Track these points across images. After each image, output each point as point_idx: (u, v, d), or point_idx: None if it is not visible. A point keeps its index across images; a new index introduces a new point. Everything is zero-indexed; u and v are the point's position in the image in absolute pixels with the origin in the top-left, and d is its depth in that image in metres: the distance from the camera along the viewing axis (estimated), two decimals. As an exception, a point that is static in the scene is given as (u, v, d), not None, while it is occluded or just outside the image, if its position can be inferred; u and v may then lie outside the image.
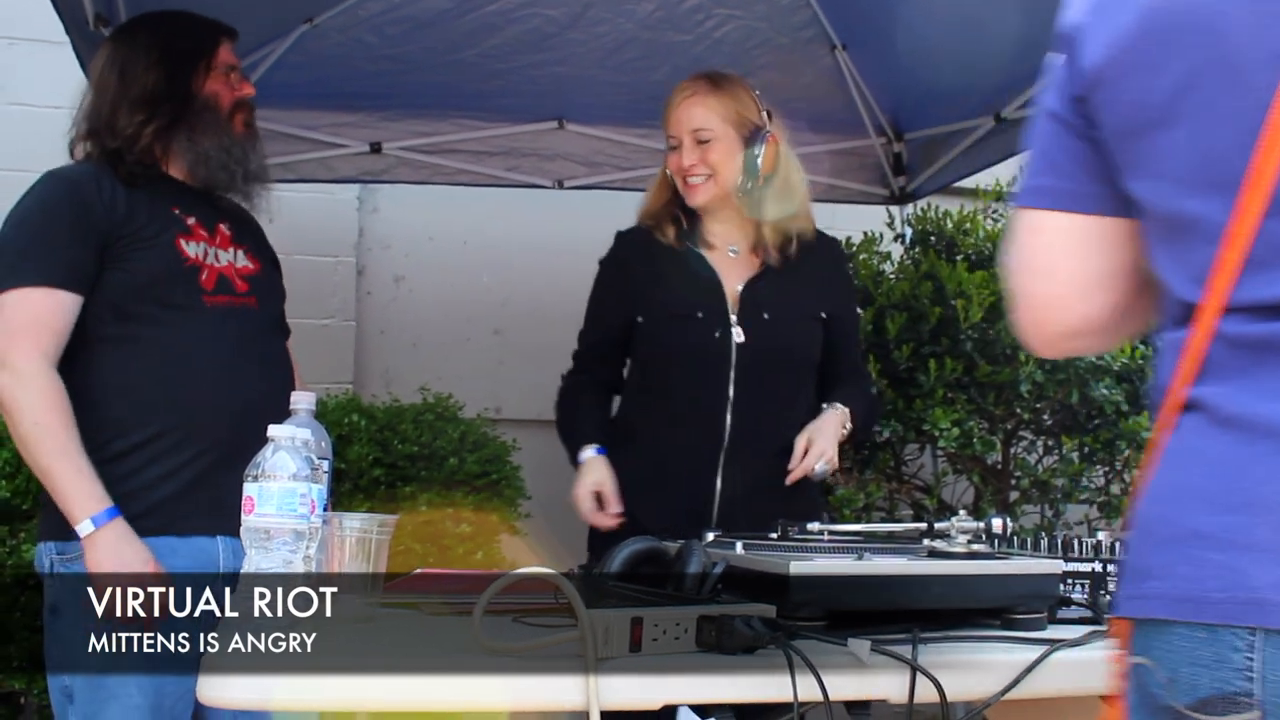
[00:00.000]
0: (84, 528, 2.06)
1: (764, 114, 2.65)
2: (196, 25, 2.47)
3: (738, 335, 2.56)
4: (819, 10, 3.56)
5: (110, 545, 2.06)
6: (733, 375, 2.55)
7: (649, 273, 2.65)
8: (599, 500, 2.47)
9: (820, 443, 2.43)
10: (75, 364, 2.20)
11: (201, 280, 2.32)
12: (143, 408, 2.22)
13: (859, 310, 2.82)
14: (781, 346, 2.60)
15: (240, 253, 2.43)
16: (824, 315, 2.66)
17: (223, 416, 2.23)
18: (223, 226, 2.42)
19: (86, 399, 2.18)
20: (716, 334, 2.56)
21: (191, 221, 2.35)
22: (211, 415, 2.23)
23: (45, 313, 2.16)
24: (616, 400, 2.77)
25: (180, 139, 2.36)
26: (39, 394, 2.10)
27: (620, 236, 2.75)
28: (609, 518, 2.45)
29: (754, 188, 2.59)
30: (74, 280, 2.19)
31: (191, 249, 2.32)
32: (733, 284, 2.60)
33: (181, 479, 2.21)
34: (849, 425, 2.51)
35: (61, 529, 2.13)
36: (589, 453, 2.53)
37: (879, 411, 2.75)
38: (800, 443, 2.44)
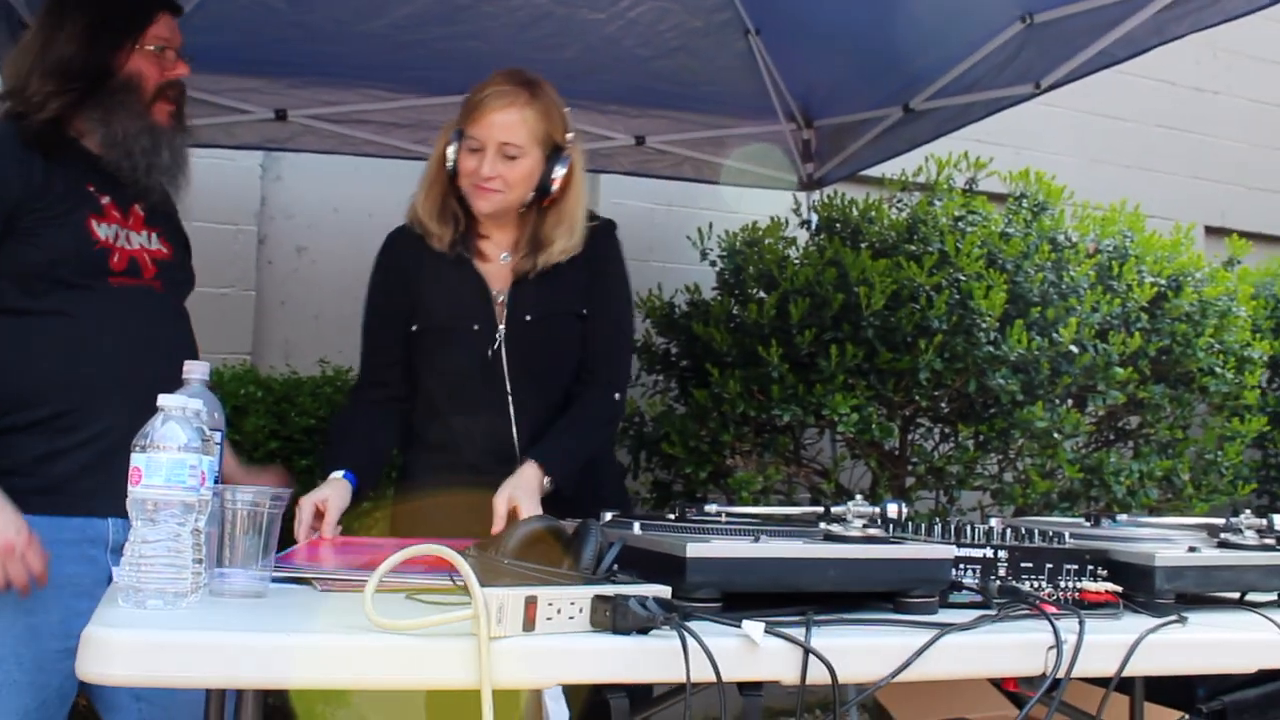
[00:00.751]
0: None
1: (569, 135, 2.54)
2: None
3: (503, 338, 2.51)
4: (733, -7, 3.57)
5: None
6: (509, 384, 2.52)
7: (422, 281, 2.56)
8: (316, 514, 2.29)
9: (526, 504, 2.29)
10: None
11: (111, 263, 2.25)
12: (40, 385, 2.16)
13: (629, 305, 2.72)
14: (545, 349, 2.56)
15: (154, 235, 2.37)
16: (583, 312, 2.59)
17: (122, 399, 2.17)
18: (137, 207, 2.34)
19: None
20: (489, 351, 2.51)
21: (105, 201, 2.28)
22: (110, 397, 2.17)
23: None
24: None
25: (91, 116, 2.25)
26: None
27: (392, 239, 2.65)
28: (310, 533, 2.26)
29: (540, 208, 2.53)
30: None
31: (103, 230, 2.25)
32: (499, 290, 2.54)
33: (75, 460, 2.15)
34: (546, 481, 2.38)
35: None
36: (335, 475, 2.39)
37: (615, 419, 2.66)
38: (500, 504, 2.29)
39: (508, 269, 2.56)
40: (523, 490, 2.32)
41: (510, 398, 2.52)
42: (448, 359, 2.55)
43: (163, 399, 1.52)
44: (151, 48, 2.29)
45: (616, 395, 2.59)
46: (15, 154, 2.17)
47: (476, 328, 2.51)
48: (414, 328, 2.55)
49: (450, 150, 2.50)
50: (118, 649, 1.28)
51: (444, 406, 2.57)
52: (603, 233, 2.63)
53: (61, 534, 2.10)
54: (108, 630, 1.30)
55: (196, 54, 3.51)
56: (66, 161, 2.23)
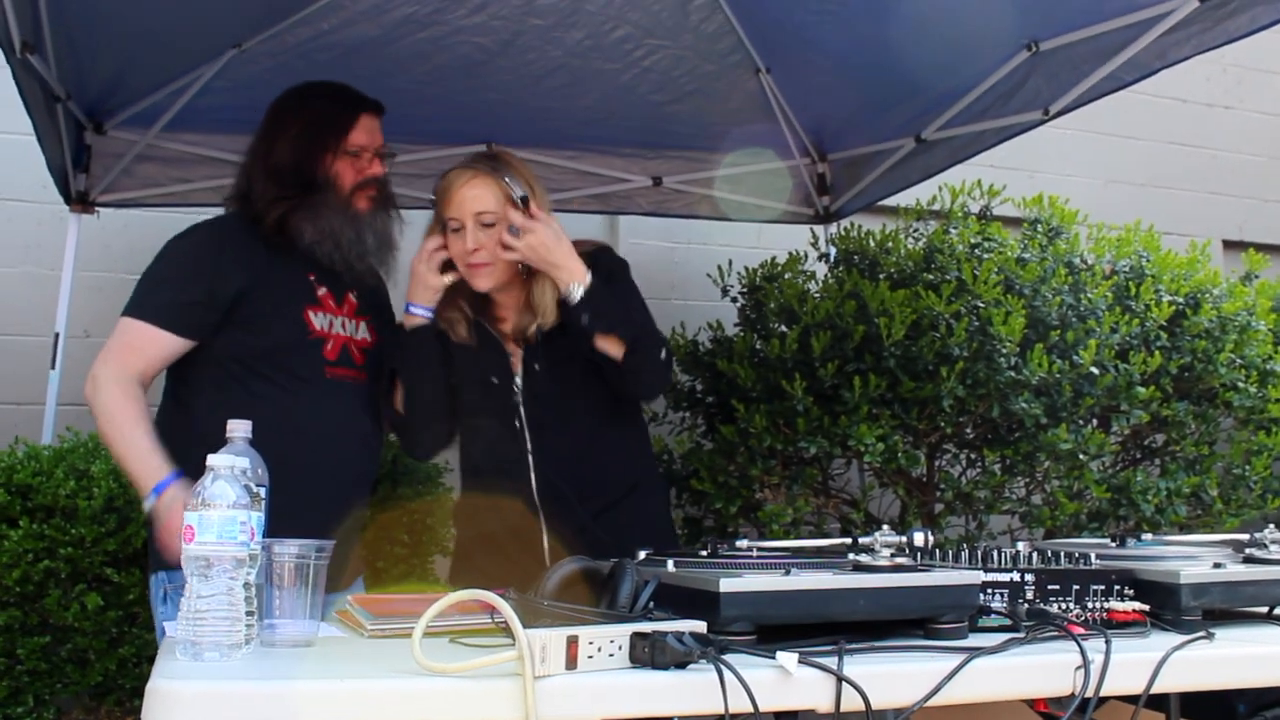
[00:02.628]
0: (148, 502, 2.32)
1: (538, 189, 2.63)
2: (337, 103, 2.59)
3: (520, 399, 2.62)
4: (743, 35, 3.64)
5: (169, 506, 2.27)
6: (528, 436, 2.61)
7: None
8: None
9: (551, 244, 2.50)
10: (199, 410, 2.45)
11: (325, 351, 2.51)
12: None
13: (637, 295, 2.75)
14: (561, 390, 2.63)
15: (363, 324, 2.61)
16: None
17: (324, 489, 2.39)
18: (351, 295, 2.58)
19: (190, 437, 2.32)
20: (514, 425, 2.61)
21: (322, 292, 2.54)
22: (313, 487, 2.34)
23: (141, 342, 2.45)
24: None
25: (304, 215, 2.50)
26: (110, 397, 2.38)
27: None
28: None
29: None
30: (179, 324, 2.45)
31: (318, 321, 2.51)
32: (518, 358, 2.65)
33: None
34: (579, 285, 2.51)
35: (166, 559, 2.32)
36: None
37: (663, 366, 2.69)
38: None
39: (521, 328, 2.64)
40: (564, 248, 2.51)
41: (529, 441, 2.61)
42: (473, 445, 2.72)
43: (211, 459, 1.59)
44: (351, 151, 2.55)
45: (663, 350, 2.64)
46: (245, 244, 2.48)
47: (495, 381, 2.63)
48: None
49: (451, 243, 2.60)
50: (179, 700, 1.34)
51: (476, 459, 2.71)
52: (603, 258, 2.68)
53: None
54: (170, 683, 1.35)
55: (221, 115, 3.65)
56: (288, 253, 2.50)
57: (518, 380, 2.62)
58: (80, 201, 3.74)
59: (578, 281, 2.51)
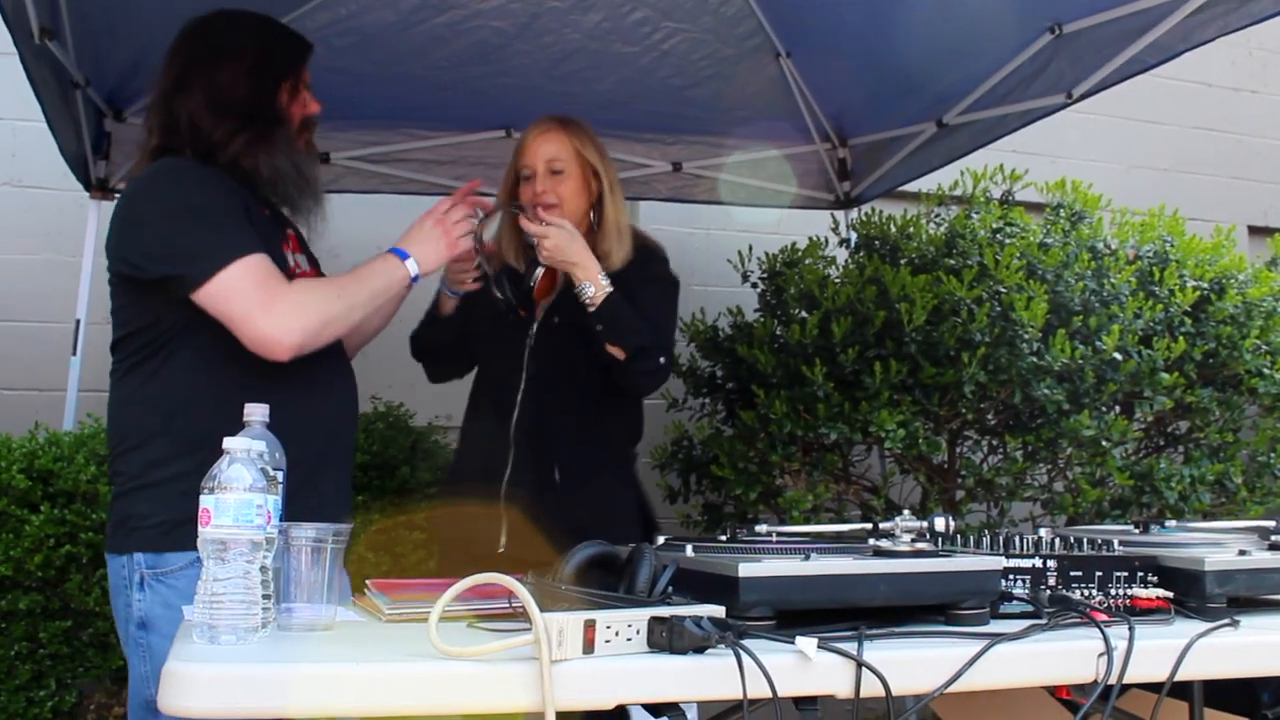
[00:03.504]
0: (411, 268, 2.36)
1: (606, 160, 2.85)
2: (288, 39, 2.47)
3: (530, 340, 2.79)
4: (763, 19, 3.62)
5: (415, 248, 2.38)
6: (524, 379, 2.77)
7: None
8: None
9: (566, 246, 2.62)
10: (167, 368, 2.22)
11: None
12: (233, 420, 2.09)
13: (670, 299, 2.93)
14: (569, 351, 2.77)
15: (304, 260, 2.46)
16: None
17: (314, 428, 2.28)
18: (291, 233, 2.47)
19: (175, 406, 2.20)
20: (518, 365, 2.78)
21: (290, 231, 2.43)
22: (304, 428, 2.19)
23: (269, 268, 2.18)
24: None
25: (258, 153, 2.33)
26: (303, 293, 2.21)
27: None
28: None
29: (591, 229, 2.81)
30: (265, 250, 2.21)
31: (290, 258, 2.36)
32: (541, 306, 2.83)
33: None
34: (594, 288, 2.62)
35: (156, 541, 2.14)
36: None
37: (658, 372, 2.78)
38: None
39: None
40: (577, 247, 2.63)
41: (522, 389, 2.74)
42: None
43: (228, 442, 1.58)
44: (304, 86, 2.44)
45: (662, 358, 2.75)
46: (229, 185, 2.25)
47: (511, 319, 2.79)
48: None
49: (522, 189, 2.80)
50: (195, 683, 1.33)
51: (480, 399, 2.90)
52: (654, 255, 2.89)
53: None
54: (186, 665, 1.35)
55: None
56: (254, 193, 2.33)
57: (534, 327, 2.79)
58: (100, 188, 3.75)
59: (590, 282, 2.62)
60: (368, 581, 1.95)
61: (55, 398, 3.75)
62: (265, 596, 1.55)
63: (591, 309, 2.62)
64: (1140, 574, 1.90)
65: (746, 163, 4.28)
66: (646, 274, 2.83)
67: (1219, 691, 2.15)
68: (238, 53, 2.35)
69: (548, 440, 2.72)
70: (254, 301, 2.13)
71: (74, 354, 3.69)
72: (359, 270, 2.31)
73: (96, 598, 3.19)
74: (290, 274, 2.28)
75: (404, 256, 2.36)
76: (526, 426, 2.73)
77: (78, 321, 3.71)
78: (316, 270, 2.50)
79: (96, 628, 3.25)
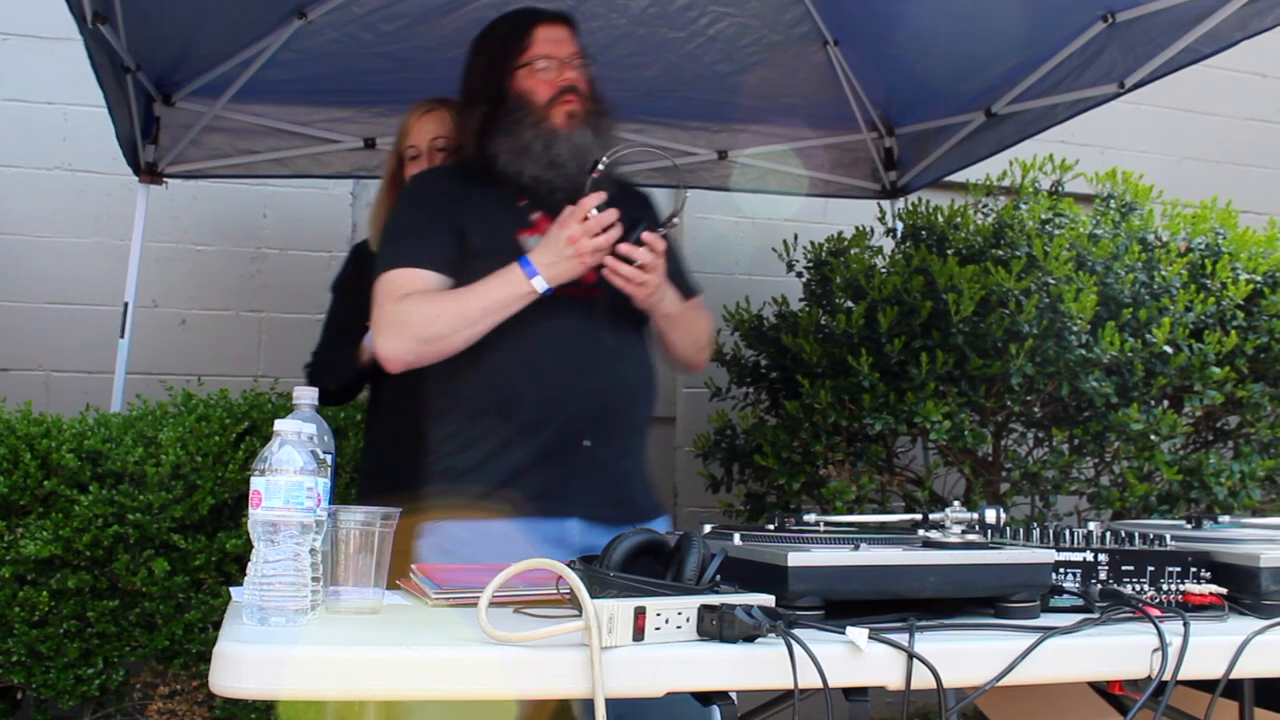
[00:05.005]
0: (538, 284, 2.28)
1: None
2: (509, 21, 2.50)
3: None
4: (811, 6, 3.60)
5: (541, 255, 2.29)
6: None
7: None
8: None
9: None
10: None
11: None
12: (479, 403, 2.36)
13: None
14: None
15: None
16: None
17: (554, 413, 2.32)
18: (543, 215, 2.42)
19: (443, 387, 2.40)
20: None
21: (536, 216, 2.41)
22: (541, 413, 2.31)
23: (406, 283, 2.32)
24: None
25: (497, 135, 2.40)
26: (407, 312, 2.29)
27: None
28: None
29: None
30: (432, 262, 2.34)
31: (533, 244, 2.35)
32: None
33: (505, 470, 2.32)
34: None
35: None
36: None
37: None
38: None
39: None
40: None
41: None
42: None
43: (279, 424, 1.59)
44: (540, 64, 2.41)
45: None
46: (443, 191, 2.43)
47: None
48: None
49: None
50: (246, 664, 1.34)
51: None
52: None
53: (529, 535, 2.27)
54: (237, 646, 1.36)
55: (287, 87, 3.67)
56: (496, 185, 2.40)
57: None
58: (149, 172, 3.78)
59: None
60: (413, 566, 1.96)
61: (104, 380, 3.79)
62: (314, 579, 1.56)
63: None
64: (1193, 569, 1.88)
65: (793, 151, 4.26)
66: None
67: (1270, 691, 2.12)
68: (476, 46, 2.52)
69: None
70: (377, 316, 2.34)
71: (122, 336, 3.72)
72: (485, 281, 2.29)
73: (143, 578, 3.22)
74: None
75: (531, 273, 2.28)
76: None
77: (126, 304, 3.74)
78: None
79: (143, 608, 3.28)
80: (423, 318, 2.29)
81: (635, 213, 2.38)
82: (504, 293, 2.28)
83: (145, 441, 3.28)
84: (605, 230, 2.26)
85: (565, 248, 2.26)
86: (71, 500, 3.18)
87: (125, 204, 3.96)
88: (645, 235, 2.29)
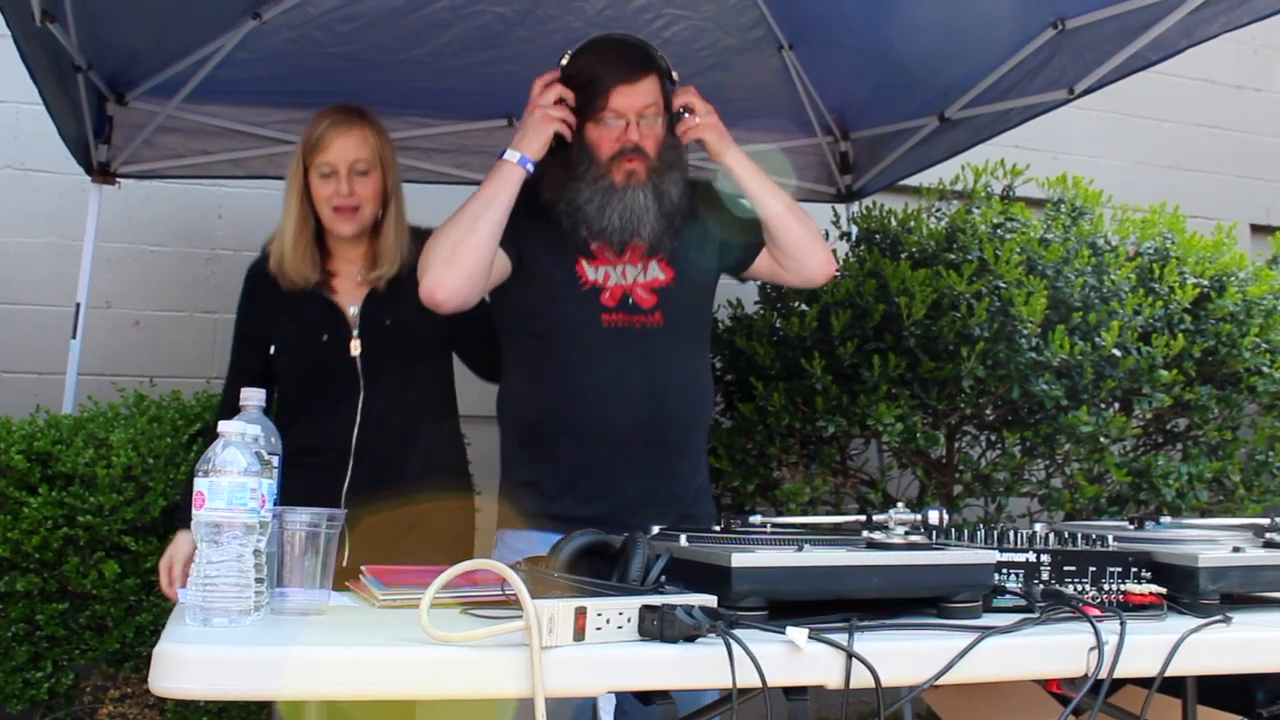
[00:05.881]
0: (510, 155, 2.43)
1: (395, 156, 2.82)
2: (588, 67, 2.51)
3: (355, 349, 2.72)
4: (766, 10, 3.61)
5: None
6: (362, 384, 2.72)
7: (279, 308, 2.77)
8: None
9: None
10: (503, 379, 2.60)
11: (603, 299, 2.48)
12: (532, 426, 2.52)
13: None
14: (404, 348, 2.76)
15: (654, 264, 2.55)
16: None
17: (603, 446, 2.42)
18: (637, 242, 2.50)
19: (506, 408, 2.57)
20: (340, 357, 2.73)
21: (596, 245, 2.50)
22: (591, 444, 2.42)
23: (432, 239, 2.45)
24: None
25: (554, 183, 2.48)
26: (429, 240, 2.43)
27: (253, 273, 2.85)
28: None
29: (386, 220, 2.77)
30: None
31: (592, 271, 2.49)
32: (348, 306, 2.77)
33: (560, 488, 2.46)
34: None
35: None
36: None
37: None
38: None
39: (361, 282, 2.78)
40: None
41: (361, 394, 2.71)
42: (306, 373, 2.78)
43: (222, 425, 1.59)
44: (609, 119, 2.45)
45: None
46: (524, 203, 2.45)
47: (325, 338, 2.73)
48: (272, 350, 2.78)
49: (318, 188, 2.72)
50: (187, 664, 1.34)
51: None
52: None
53: None
54: (178, 647, 1.36)
55: (241, 88, 3.65)
56: (556, 219, 2.49)
57: (354, 342, 2.73)
58: (102, 172, 3.75)
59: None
60: (362, 567, 1.96)
61: (55, 381, 3.75)
62: (258, 580, 1.56)
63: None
64: (1134, 570, 1.91)
65: (748, 155, 4.27)
66: None
67: (1213, 688, 2.16)
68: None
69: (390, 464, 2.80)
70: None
71: (74, 337, 3.69)
72: (466, 208, 2.42)
73: (94, 580, 3.19)
74: (592, 286, 2.49)
75: (505, 153, 2.43)
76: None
77: (78, 305, 3.70)
78: (676, 270, 2.56)
79: (94, 610, 3.25)
80: (435, 243, 2.41)
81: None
82: (493, 183, 2.42)
83: (96, 443, 3.25)
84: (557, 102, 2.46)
85: (528, 118, 2.45)
86: (20, 502, 3.15)
87: (78, 204, 3.92)
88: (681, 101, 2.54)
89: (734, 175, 2.59)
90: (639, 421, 2.46)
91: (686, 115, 2.56)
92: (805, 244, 2.66)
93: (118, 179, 3.80)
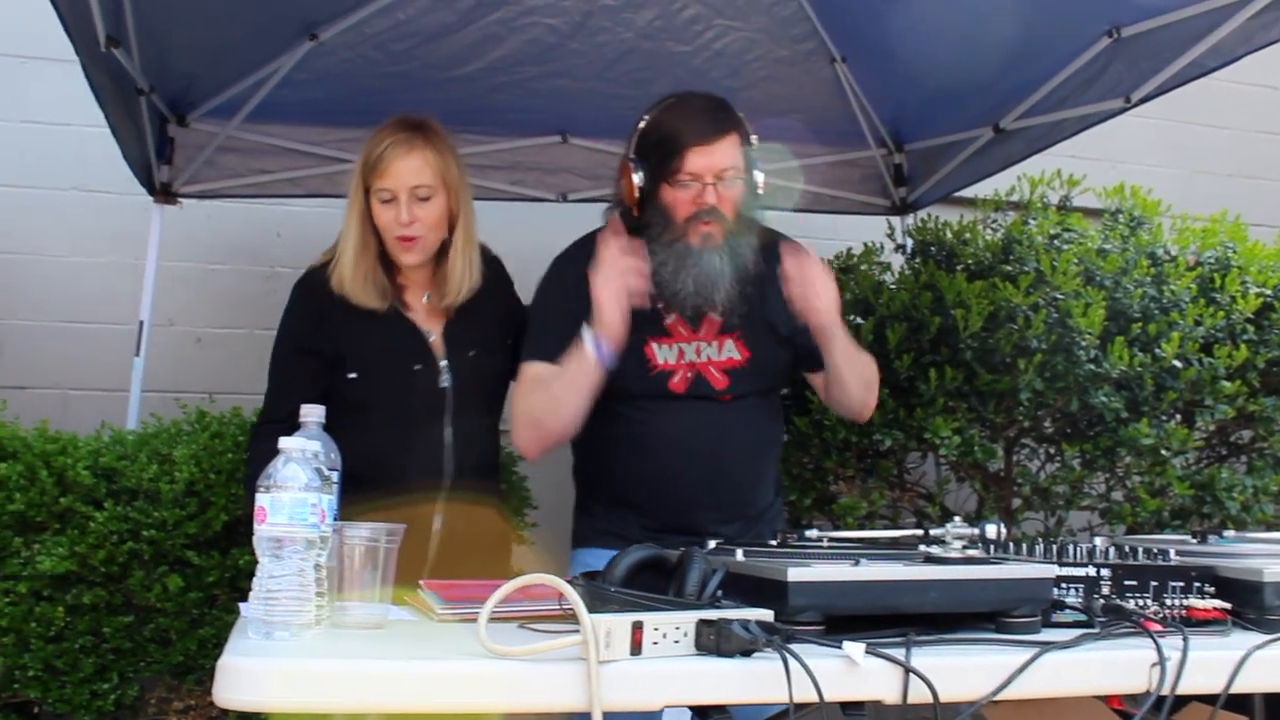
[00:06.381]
0: (590, 345, 2.34)
1: (465, 175, 2.69)
2: (666, 127, 2.47)
3: (445, 380, 2.66)
4: (818, 23, 3.61)
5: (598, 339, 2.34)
6: (449, 415, 2.66)
7: (354, 330, 2.65)
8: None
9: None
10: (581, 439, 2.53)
11: (672, 384, 2.51)
12: (609, 491, 2.58)
13: None
14: (485, 379, 2.72)
15: (729, 342, 2.56)
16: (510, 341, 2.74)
17: (664, 492, 2.47)
18: (711, 315, 2.52)
19: (581, 470, 2.65)
20: (436, 383, 2.66)
21: (670, 320, 2.52)
22: (653, 490, 2.47)
23: (527, 377, 2.49)
24: None
25: (644, 244, 2.46)
26: (522, 401, 2.48)
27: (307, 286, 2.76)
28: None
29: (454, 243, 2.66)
30: (557, 356, 2.41)
31: (662, 354, 2.51)
32: (434, 330, 2.69)
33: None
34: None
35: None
36: None
37: None
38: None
39: (435, 308, 2.70)
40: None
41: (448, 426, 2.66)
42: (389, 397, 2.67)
43: (283, 442, 1.61)
44: (686, 181, 2.42)
45: None
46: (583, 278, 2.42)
47: (418, 368, 2.65)
48: (351, 375, 2.65)
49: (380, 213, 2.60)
50: (250, 677, 1.36)
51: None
52: (501, 274, 2.83)
53: None
54: (242, 659, 1.38)
55: (299, 108, 3.71)
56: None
57: (443, 363, 2.67)
58: (164, 193, 3.82)
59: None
60: (420, 581, 1.97)
61: (120, 398, 3.82)
62: (319, 594, 1.58)
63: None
64: (1197, 584, 1.88)
65: (801, 168, 4.27)
66: (504, 295, 2.82)
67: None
68: (638, 159, 2.48)
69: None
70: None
71: (137, 354, 3.75)
72: (565, 364, 2.40)
73: (158, 594, 3.24)
74: (661, 371, 2.50)
75: (589, 340, 2.35)
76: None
77: (141, 323, 3.77)
78: (752, 350, 2.56)
79: (158, 623, 3.30)
80: (523, 408, 2.46)
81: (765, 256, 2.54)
82: (573, 367, 2.37)
83: (160, 459, 3.30)
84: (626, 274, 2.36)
85: (599, 293, 2.35)
86: (87, 517, 3.20)
87: (140, 224, 3.99)
88: (788, 262, 2.45)
89: (831, 358, 2.56)
90: (701, 484, 2.50)
91: (795, 279, 2.46)
92: (863, 411, 2.75)
93: (179, 199, 3.87)
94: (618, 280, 2.33)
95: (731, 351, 2.56)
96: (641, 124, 2.52)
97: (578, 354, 2.36)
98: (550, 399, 2.41)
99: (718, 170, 2.42)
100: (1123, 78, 3.28)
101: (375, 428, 2.61)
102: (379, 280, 2.63)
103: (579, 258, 2.52)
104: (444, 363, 2.65)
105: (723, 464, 2.47)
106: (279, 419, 2.54)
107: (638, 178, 2.46)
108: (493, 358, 2.71)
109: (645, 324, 2.47)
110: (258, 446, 2.68)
